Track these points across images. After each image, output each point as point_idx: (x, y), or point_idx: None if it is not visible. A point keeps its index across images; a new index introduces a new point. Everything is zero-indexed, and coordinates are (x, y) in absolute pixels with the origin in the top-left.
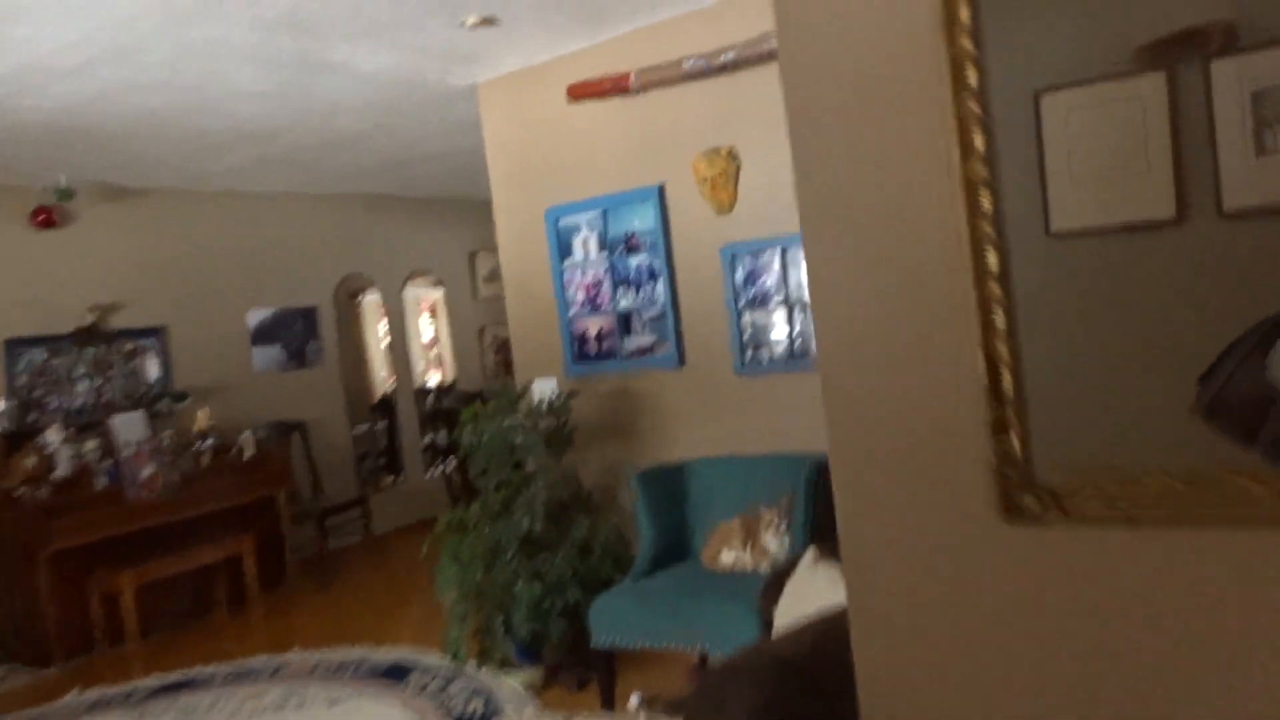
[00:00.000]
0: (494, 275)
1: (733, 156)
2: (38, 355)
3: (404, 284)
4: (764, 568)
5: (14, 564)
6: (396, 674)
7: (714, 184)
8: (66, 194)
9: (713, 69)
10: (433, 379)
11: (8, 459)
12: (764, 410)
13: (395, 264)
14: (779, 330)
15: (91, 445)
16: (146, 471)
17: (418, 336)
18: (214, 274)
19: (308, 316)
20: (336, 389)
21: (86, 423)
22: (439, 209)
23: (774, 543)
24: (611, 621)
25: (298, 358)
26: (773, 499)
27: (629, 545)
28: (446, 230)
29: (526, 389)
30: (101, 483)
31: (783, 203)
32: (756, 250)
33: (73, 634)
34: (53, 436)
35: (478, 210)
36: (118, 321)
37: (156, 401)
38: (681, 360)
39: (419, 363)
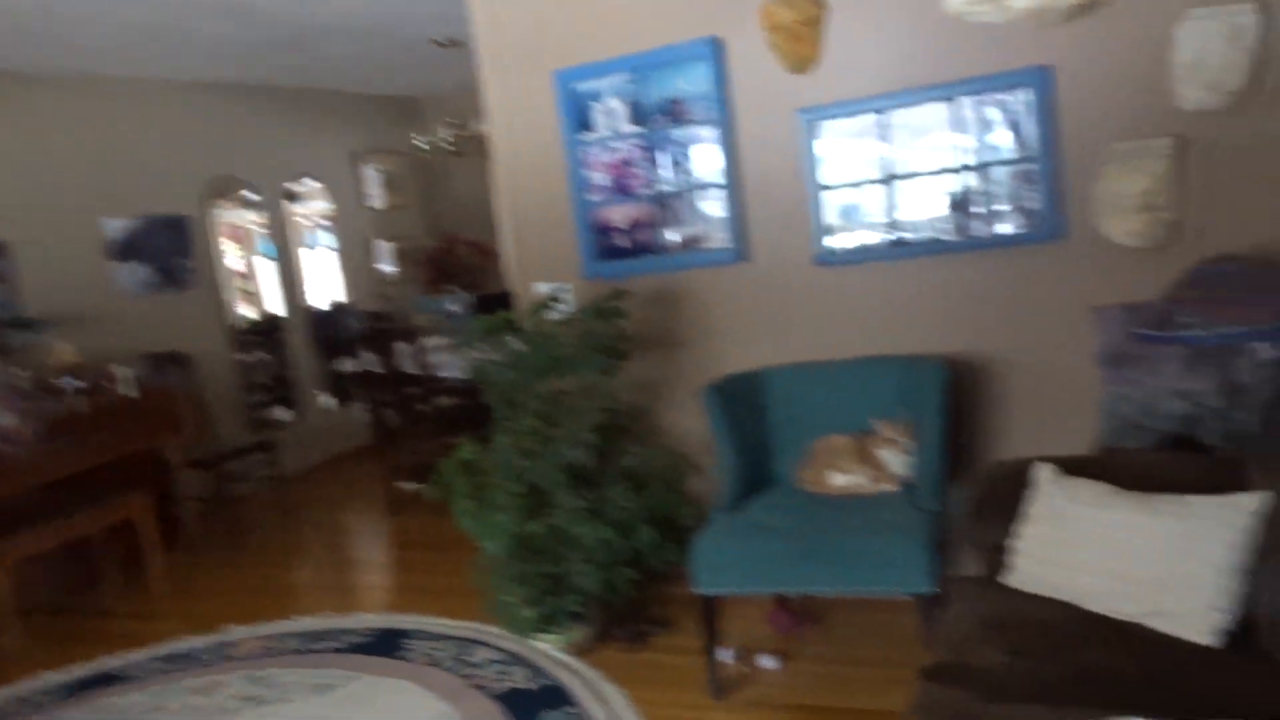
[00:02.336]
0: (391, 183)
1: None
2: None
3: (283, 190)
4: (885, 489)
5: None
6: (385, 646)
7: (793, 34)
8: None
9: None
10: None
11: None
12: (855, 308)
13: (271, 167)
14: (874, 211)
15: None
16: (6, 421)
17: (302, 253)
18: (62, 176)
19: (176, 228)
20: (216, 314)
21: None
22: (319, 104)
23: (896, 461)
24: (722, 565)
25: (169, 277)
26: (884, 410)
27: (683, 475)
28: (327, 130)
29: (552, 297)
30: None
31: (882, 56)
32: (848, 113)
33: None
34: None
35: (366, 107)
36: None
37: (3, 333)
38: (743, 253)
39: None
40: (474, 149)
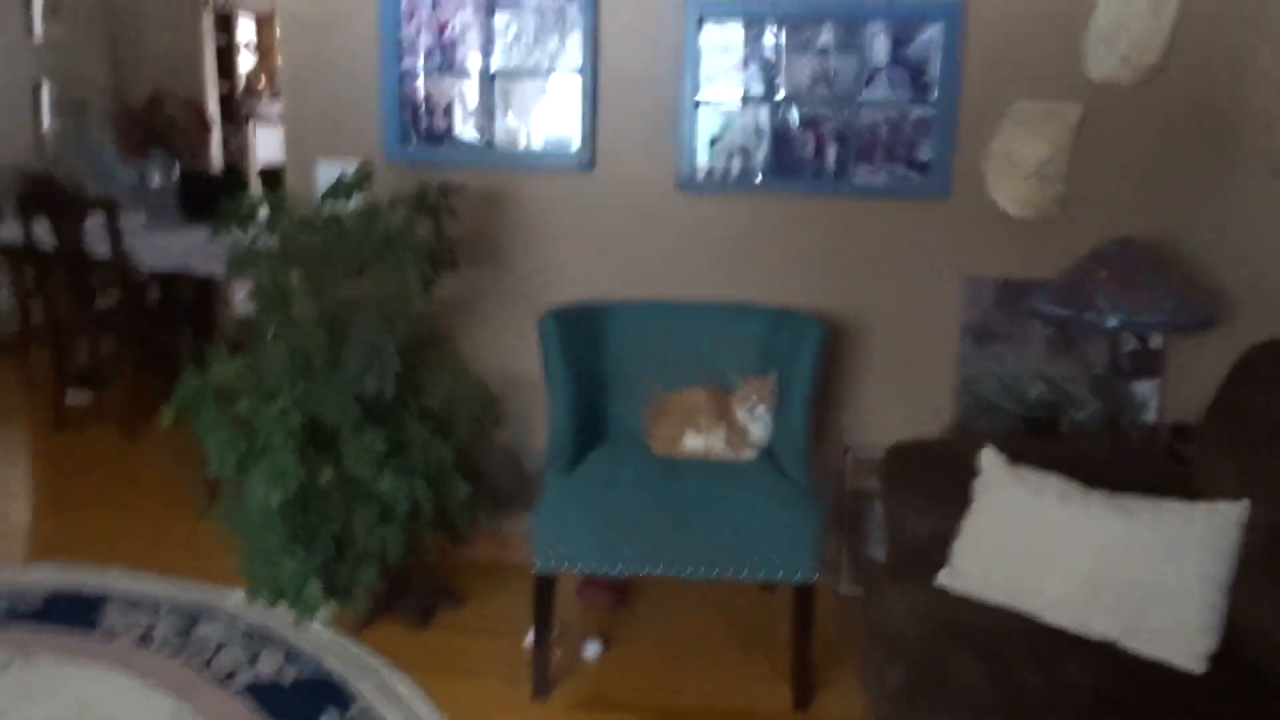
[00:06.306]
0: (57, 10)
1: None
2: None
3: None
4: (745, 455)
5: None
6: (70, 613)
7: None
8: None
9: None
10: None
11: None
12: (718, 244)
13: None
14: (752, 136)
15: None
16: None
17: None
18: None
19: None
20: None
21: None
22: None
23: (755, 427)
24: (569, 537)
25: None
26: (745, 365)
27: (495, 418)
28: None
29: (362, 179)
30: None
31: None
32: (743, 13)
33: None
34: None
35: None
36: None
37: None
38: (592, 161)
39: None
40: None
